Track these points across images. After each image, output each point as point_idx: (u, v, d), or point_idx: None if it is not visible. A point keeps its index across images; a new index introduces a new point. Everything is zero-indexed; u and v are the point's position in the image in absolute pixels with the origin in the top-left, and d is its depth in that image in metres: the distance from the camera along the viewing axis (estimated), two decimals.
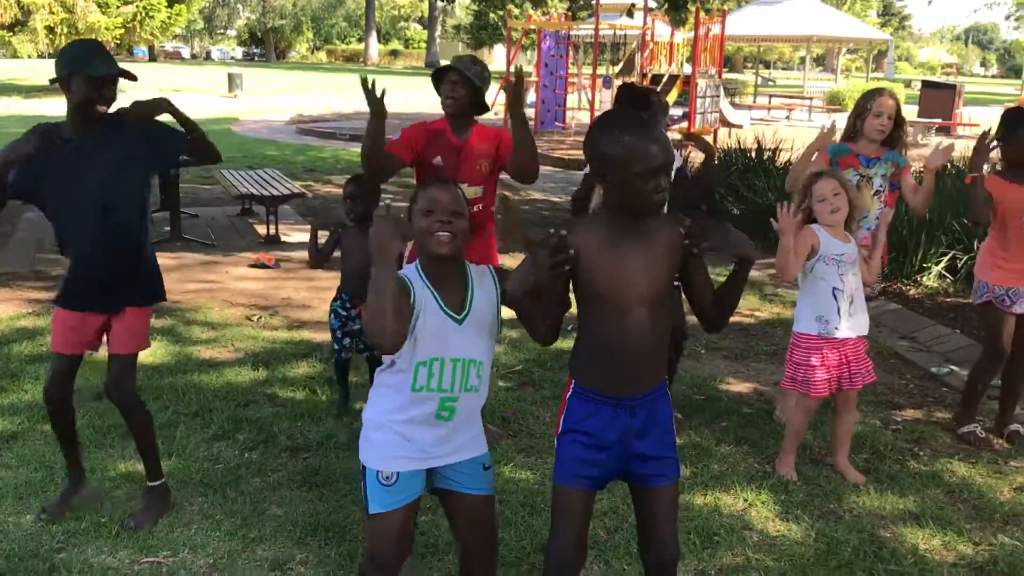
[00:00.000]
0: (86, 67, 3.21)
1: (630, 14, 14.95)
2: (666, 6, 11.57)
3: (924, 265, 7.27)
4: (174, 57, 62.43)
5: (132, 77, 3.34)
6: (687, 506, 3.64)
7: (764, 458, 4.19)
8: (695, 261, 2.47)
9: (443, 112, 4.00)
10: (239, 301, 6.55)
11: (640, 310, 2.40)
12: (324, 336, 5.44)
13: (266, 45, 68.59)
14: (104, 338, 3.49)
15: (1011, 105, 4.89)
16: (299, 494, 3.75)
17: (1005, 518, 3.74)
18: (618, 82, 18.28)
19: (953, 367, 5.49)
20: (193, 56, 68.81)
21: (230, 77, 29.94)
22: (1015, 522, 3.71)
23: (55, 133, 3.26)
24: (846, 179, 4.01)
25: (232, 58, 67.89)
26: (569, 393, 2.54)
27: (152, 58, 55.29)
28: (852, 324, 3.96)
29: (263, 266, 7.55)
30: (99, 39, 25.05)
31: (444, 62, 4.73)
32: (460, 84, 3.91)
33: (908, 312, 6.62)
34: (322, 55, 71.71)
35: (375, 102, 3.54)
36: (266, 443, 4.20)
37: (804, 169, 4.28)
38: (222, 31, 73.17)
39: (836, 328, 3.92)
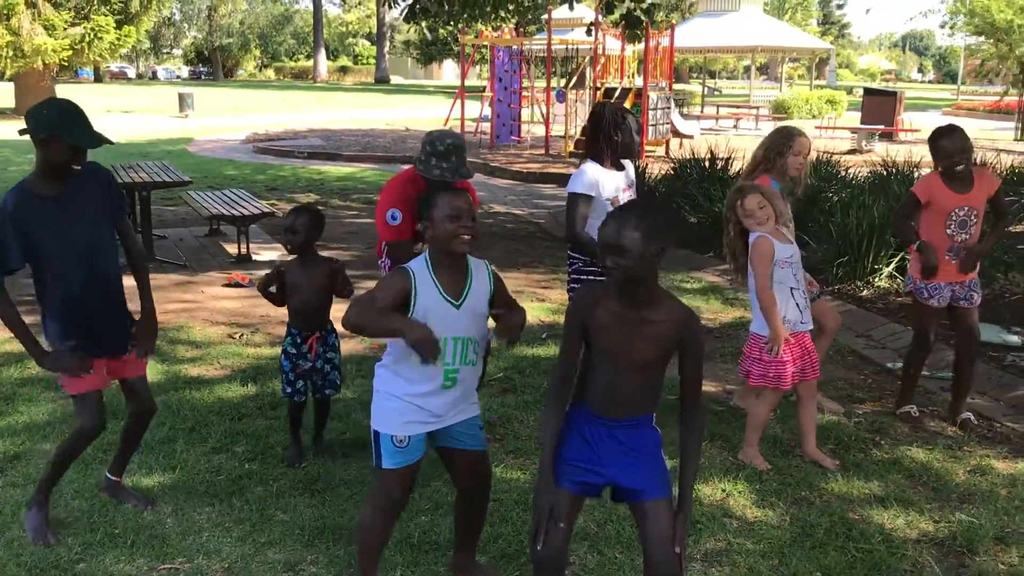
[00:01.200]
0: (67, 136, 3.30)
1: (589, 32, 15.28)
2: (623, 24, 11.88)
3: (875, 267, 7.64)
4: (120, 77, 61.69)
5: (110, 143, 3.54)
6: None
7: (738, 452, 4.45)
8: (691, 352, 2.78)
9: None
10: (219, 320, 6.68)
11: (633, 371, 2.73)
12: None
13: (213, 64, 68.09)
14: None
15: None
16: (302, 500, 3.93)
17: (961, 497, 4.05)
18: (571, 96, 18.64)
19: None
20: (139, 76, 68.03)
21: (180, 97, 29.83)
22: (970, 500, 4.02)
23: (24, 198, 3.34)
24: (766, 190, 4.34)
25: (179, 77, 67.34)
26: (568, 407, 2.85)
27: (98, 79, 54.65)
28: (806, 317, 4.31)
29: (238, 285, 7.67)
30: (46, 61, 25.00)
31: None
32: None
33: (862, 311, 6.97)
34: (270, 72, 71.36)
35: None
36: (264, 454, 4.37)
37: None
38: (168, 50, 72.42)
39: (798, 323, 4.26)
